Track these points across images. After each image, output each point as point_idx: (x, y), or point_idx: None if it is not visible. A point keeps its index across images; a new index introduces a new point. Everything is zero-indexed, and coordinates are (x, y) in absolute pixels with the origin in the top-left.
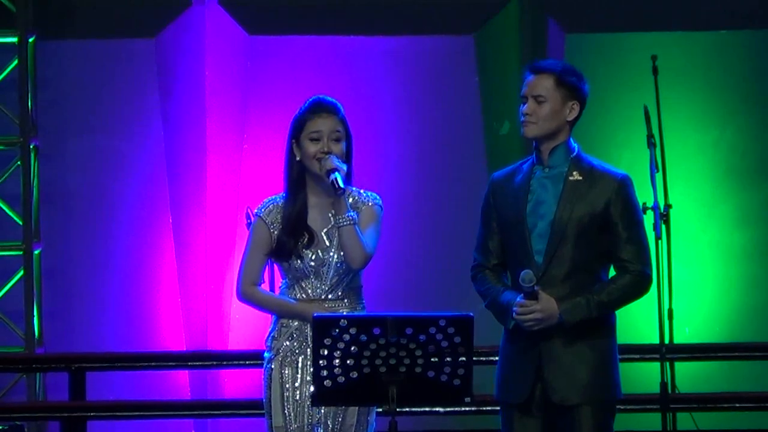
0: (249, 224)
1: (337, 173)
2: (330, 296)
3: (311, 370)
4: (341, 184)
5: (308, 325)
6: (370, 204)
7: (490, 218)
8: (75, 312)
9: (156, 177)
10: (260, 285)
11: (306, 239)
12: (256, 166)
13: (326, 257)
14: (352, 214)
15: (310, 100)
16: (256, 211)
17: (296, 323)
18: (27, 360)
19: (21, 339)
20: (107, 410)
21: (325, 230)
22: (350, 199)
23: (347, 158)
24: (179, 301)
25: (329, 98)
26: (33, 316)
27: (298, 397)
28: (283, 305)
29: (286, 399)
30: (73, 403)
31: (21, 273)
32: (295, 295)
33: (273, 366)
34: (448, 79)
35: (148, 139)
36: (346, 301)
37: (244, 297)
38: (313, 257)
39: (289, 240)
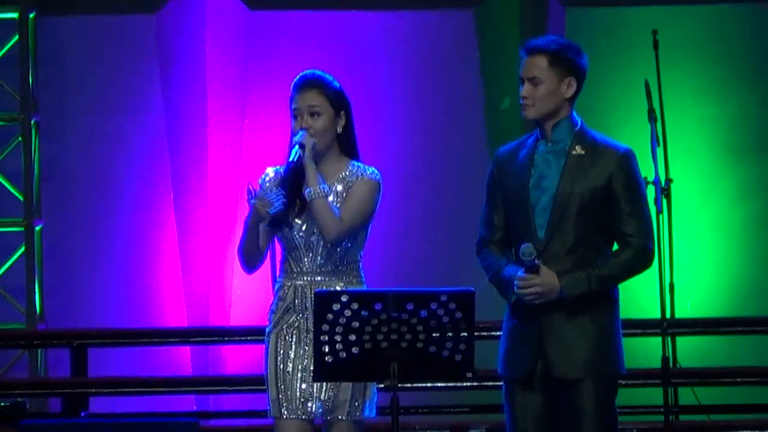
0: (249, 199)
1: (296, 148)
2: (323, 269)
3: (305, 344)
4: (292, 158)
5: (305, 300)
6: (365, 178)
7: (494, 193)
8: (76, 288)
9: (157, 153)
10: (263, 257)
11: (297, 208)
12: (257, 141)
13: (315, 228)
14: (324, 186)
15: (298, 76)
16: (259, 181)
17: (292, 296)
18: (28, 336)
19: (22, 315)
20: (109, 386)
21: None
22: (346, 172)
23: (345, 131)
24: (181, 277)
25: (314, 72)
26: (34, 292)
27: (290, 370)
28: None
29: (279, 372)
30: (74, 380)
31: (22, 249)
32: (289, 267)
33: (271, 340)
34: (448, 54)
35: (149, 115)
36: (341, 275)
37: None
38: (304, 227)
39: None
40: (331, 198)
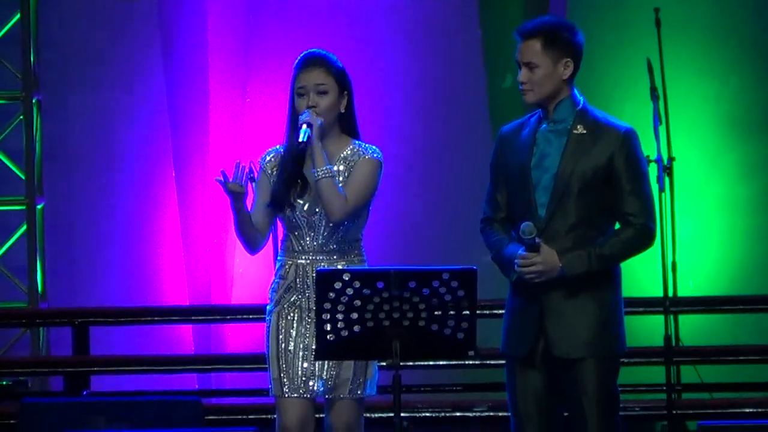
0: (223, 185)
1: (305, 128)
2: (325, 248)
3: (307, 323)
4: (302, 138)
5: (307, 279)
6: (367, 157)
7: (498, 172)
8: (78, 267)
9: (159, 132)
10: (266, 238)
11: (299, 188)
12: (259, 119)
13: (317, 207)
14: (330, 167)
15: (301, 54)
16: (259, 160)
17: (293, 275)
18: (30, 315)
19: (24, 294)
20: (110, 365)
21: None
22: (348, 151)
23: (347, 111)
24: (182, 255)
25: (319, 51)
26: (36, 271)
27: (291, 348)
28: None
29: (280, 351)
30: (76, 358)
31: (24, 228)
32: (291, 246)
33: (272, 319)
34: (451, 33)
35: (151, 93)
36: (343, 253)
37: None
38: (306, 207)
39: (283, 188)
40: None
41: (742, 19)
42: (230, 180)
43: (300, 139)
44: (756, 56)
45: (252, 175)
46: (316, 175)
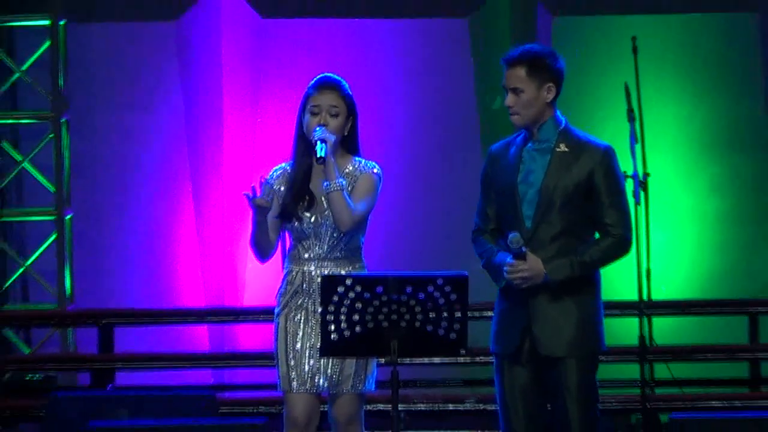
0: (251, 201)
1: (321, 144)
2: (330, 256)
3: (312, 324)
4: (321, 154)
5: (312, 284)
6: (368, 173)
7: (487, 186)
8: (103, 272)
9: (177, 148)
10: (275, 248)
11: (306, 202)
12: (268, 137)
13: (324, 219)
14: (341, 180)
15: (317, 77)
16: (267, 178)
17: (300, 280)
18: (59, 316)
19: (54, 296)
20: (133, 362)
21: (324, 195)
22: (350, 167)
23: (351, 132)
24: (199, 262)
25: (334, 76)
26: (65, 275)
27: (299, 348)
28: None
29: (289, 350)
30: (101, 355)
31: (54, 236)
32: (298, 254)
33: (280, 320)
34: (444, 58)
35: (169, 113)
36: (346, 260)
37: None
38: (312, 219)
39: (291, 202)
40: None
41: (713, 48)
42: (258, 196)
43: (318, 155)
44: (725, 82)
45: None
46: (328, 187)
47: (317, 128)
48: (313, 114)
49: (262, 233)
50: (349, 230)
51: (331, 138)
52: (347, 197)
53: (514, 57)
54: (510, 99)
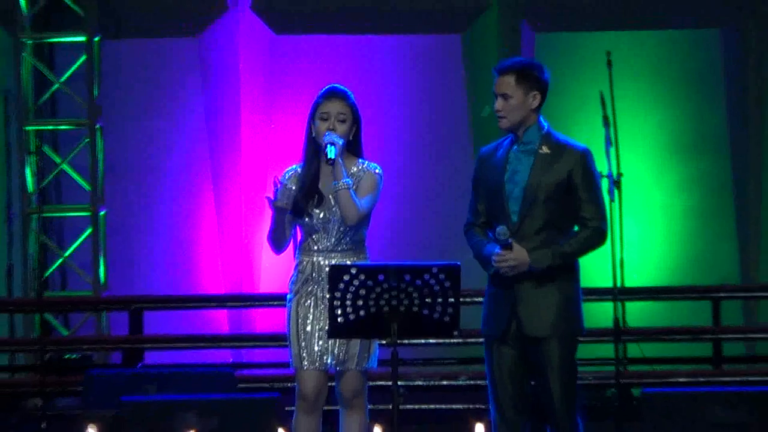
0: (275, 190)
1: (331, 146)
2: (337, 248)
3: (321, 308)
4: (332, 156)
5: (321, 273)
6: (370, 173)
7: (478, 185)
8: (133, 262)
9: (199, 151)
10: (288, 242)
11: (316, 200)
12: (282, 141)
13: (331, 215)
14: (347, 180)
15: (325, 87)
16: (280, 178)
17: (310, 270)
18: (94, 302)
19: (89, 284)
20: (160, 342)
21: (332, 193)
22: (354, 168)
23: (355, 136)
24: (219, 252)
25: (341, 86)
26: (99, 265)
27: (309, 330)
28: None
29: (300, 332)
30: (131, 337)
31: (89, 230)
32: (308, 246)
33: (292, 305)
34: (440, 70)
35: (192, 119)
36: (351, 252)
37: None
38: (321, 215)
39: (302, 200)
40: None
41: (680, 61)
42: (277, 198)
43: (329, 156)
44: (691, 91)
45: (276, 187)
46: (336, 186)
47: (327, 133)
48: (323, 120)
49: (279, 230)
50: (355, 224)
51: (340, 141)
52: (354, 195)
53: (505, 66)
54: (499, 104)
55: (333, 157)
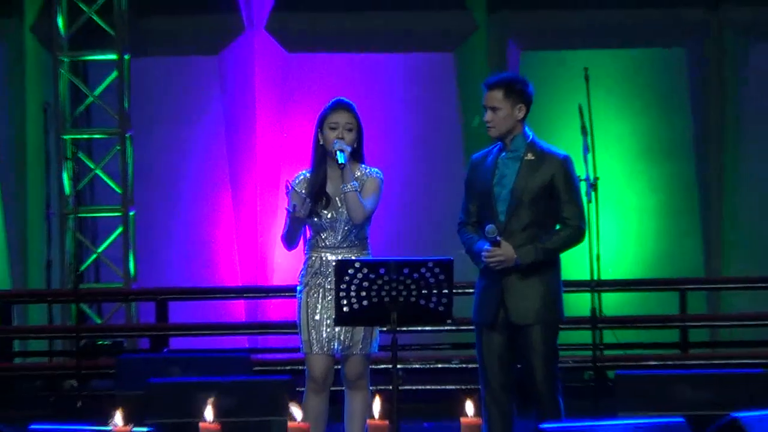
0: (287, 193)
1: (341, 153)
2: (343, 244)
3: (328, 299)
4: (342, 161)
5: (329, 267)
6: (373, 176)
7: (469, 188)
8: (160, 257)
9: (218, 158)
10: (299, 241)
11: (324, 202)
12: (294, 149)
13: (338, 215)
14: (354, 183)
15: (333, 100)
16: (291, 182)
17: (318, 264)
18: (125, 293)
19: (120, 277)
20: (184, 329)
21: (338, 195)
22: (358, 173)
23: (358, 144)
24: (236, 249)
25: (346, 99)
26: (129, 260)
27: (317, 318)
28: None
29: (309, 320)
30: (158, 325)
31: (120, 229)
32: (317, 243)
33: (302, 296)
34: (434, 86)
35: (213, 131)
36: (355, 248)
37: (282, 240)
38: (329, 215)
39: (312, 202)
40: None
41: (651, 76)
42: (296, 210)
43: (339, 162)
44: (661, 103)
45: (287, 190)
46: (345, 188)
47: (336, 141)
48: (332, 129)
49: (295, 233)
50: (361, 222)
51: (348, 148)
52: (360, 196)
53: (493, 82)
54: (488, 115)
55: (344, 161)
